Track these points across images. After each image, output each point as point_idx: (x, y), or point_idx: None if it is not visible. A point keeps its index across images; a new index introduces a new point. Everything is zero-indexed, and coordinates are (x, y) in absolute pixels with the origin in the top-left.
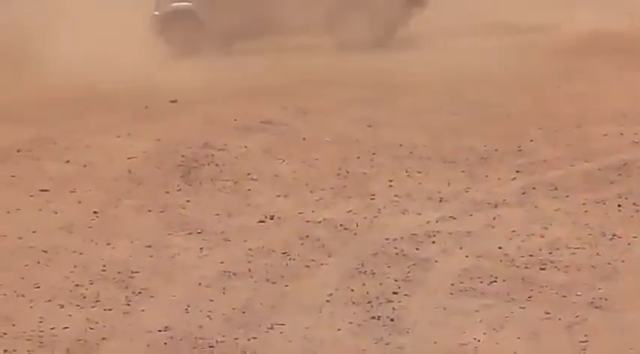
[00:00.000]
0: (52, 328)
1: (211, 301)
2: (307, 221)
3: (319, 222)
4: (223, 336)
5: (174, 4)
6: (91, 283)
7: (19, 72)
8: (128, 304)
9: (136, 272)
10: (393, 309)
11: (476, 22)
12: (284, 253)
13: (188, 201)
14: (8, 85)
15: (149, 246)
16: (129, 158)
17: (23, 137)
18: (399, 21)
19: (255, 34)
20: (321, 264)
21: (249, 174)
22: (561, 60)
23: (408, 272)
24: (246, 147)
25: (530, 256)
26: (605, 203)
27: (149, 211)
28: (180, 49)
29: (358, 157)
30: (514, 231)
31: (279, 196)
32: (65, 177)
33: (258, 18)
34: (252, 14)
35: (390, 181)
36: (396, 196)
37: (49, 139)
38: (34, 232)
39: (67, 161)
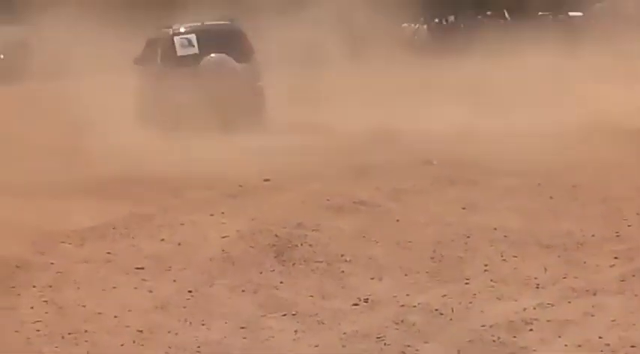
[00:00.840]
0: None
1: None
2: (402, 305)
3: (414, 306)
4: None
5: None
6: None
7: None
8: None
9: None
10: None
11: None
12: (379, 338)
13: (282, 282)
14: (106, 160)
15: (243, 327)
16: (223, 237)
17: (119, 214)
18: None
19: None
20: (417, 350)
21: (342, 255)
22: None
23: None
24: (339, 228)
25: (632, 347)
26: None
27: (243, 291)
28: None
29: (452, 240)
30: (614, 320)
31: (373, 278)
32: (160, 255)
33: None
34: None
35: (485, 265)
36: (491, 280)
37: (145, 217)
38: (129, 310)
39: (162, 239)
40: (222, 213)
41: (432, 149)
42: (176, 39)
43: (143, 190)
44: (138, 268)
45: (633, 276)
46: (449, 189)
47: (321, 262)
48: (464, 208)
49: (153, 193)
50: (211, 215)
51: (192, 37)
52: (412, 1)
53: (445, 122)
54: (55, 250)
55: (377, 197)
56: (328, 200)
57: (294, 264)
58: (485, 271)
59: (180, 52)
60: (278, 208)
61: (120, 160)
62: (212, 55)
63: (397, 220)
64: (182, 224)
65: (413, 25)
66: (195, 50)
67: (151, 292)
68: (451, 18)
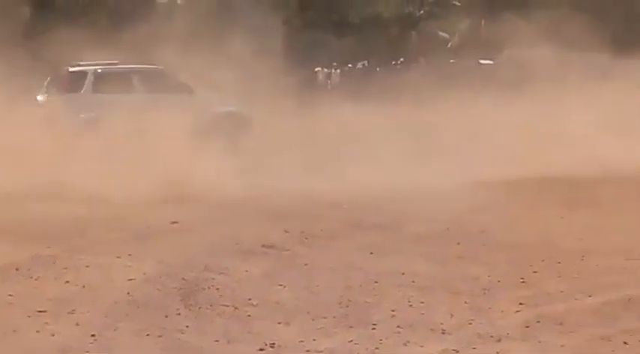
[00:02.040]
0: None
1: None
2: (308, 351)
3: (320, 351)
4: None
5: None
6: None
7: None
8: None
9: None
10: None
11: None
12: None
13: (187, 326)
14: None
15: None
16: (129, 280)
17: (22, 256)
18: None
19: None
20: None
21: (249, 299)
22: (565, 190)
23: None
24: (247, 271)
25: None
26: (610, 339)
27: (147, 335)
28: None
29: (360, 285)
30: None
31: (280, 323)
32: (64, 298)
33: None
34: None
35: (393, 310)
36: (398, 326)
37: (49, 258)
38: None
39: (67, 281)
40: (129, 255)
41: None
42: None
43: (48, 231)
44: (40, 311)
45: (538, 322)
46: (358, 233)
47: (228, 305)
48: (372, 253)
49: (58, 234)
50: (118, 257)
51: None
52: (326, 46)
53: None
54: None
55: (286, 241)
56: (237, 244)
57: (200, 308)
58: (393, 316)
59: None
60: (185, 251)
61: (23, 200)
62: None
63: (305, 265)
64: (87, 266)
65: (326, 69)
66: None
67: (53, 335)
68: (364, 63)
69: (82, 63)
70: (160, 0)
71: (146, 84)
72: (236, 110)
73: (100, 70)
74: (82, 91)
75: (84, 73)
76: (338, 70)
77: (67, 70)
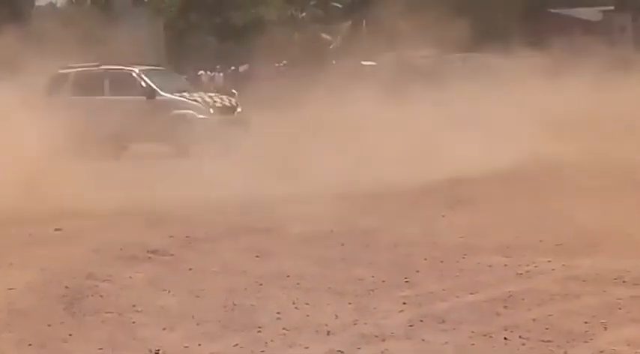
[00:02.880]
0: None
1: None
2: None
3: None
4: None
5: None
6: None
7: None
8: None
9: None
10: None
11: None
12: None
13: (70, 334)
14: None
15: None
16: (9, 289)
17: None
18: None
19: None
20: None
21: (134, 306)
22: (446, 190)
23: None
24: (131, 277)
25: None
26: (491, 336)
27: (30, 344)
28: None
29: (245, 289)
30: None
31: (164, 329)
32: None
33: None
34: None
35: (278, 313)
36: (283, 329)
37: None
38: None
39: None
40: (11, 264)
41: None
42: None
43: None
44: None
45: (421, 321)
46: (242, 237)
47: (112, 312)
48: (257, 256)
49: None
50: None
51: None
52: (209, 49)
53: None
54: None
55: (170, 246)
56: (121, 250)
57: (84, 315)
58: (278, 319)
59: None
60: (69, 258)
61: None
62: None
63: (190, 269)
64: None
65: (209, 72)
66: None
67: None
68: (246, 66)
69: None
70: (38, 3)
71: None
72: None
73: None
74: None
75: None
76: (221, 73)
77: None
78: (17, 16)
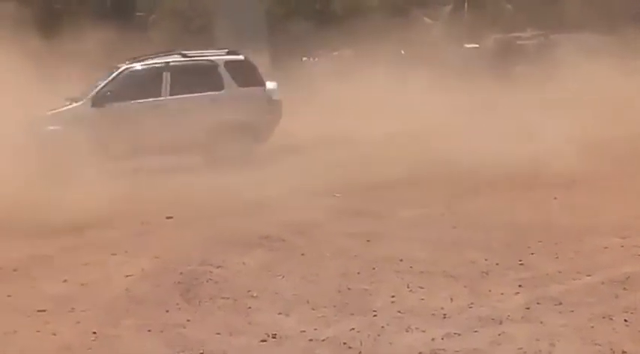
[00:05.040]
0: None
1: None
2: (310, 340)
3: (323, 340)
4: None
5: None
6: None
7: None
8: None
9: None
10: None
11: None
12: None
13: (188, 320)
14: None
15: None
16: (127, 276)
17: (19, 255)
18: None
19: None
20: None
21: (249, 291)
22: (560, 170)
23: None
24: (244, 263)
25: None
26: (611, 318)
27: (149, 330)
28: None
29: (358, 273)
30: (521, 348)
31: (280, 313)
32: (63, 296)
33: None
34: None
35: (392, 296)
36: (399, 312)
37: (45, 258)
38: None
39: (65, 280)
40: (126, 252)
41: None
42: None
43: (42, 231)
44: (40, 311)
45: (538, 304)
46: (353, 221)
47: (227, 298)
48: (369, 241)
49: (52, 233)
50: (114, 254)
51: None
52: (310, 35)
53: None
54: None
55: (281, 231)
56: (232, 236)
57: (200, 301)
58: (392, 302)
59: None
60: (182, 245)
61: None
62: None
63: (302, 254)
64: (85, 264)
65: (313, 59)
66: None
67: (54, 334)
68: (349, 51)
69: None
70: None
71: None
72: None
73: None
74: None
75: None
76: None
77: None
78: (123, 4)
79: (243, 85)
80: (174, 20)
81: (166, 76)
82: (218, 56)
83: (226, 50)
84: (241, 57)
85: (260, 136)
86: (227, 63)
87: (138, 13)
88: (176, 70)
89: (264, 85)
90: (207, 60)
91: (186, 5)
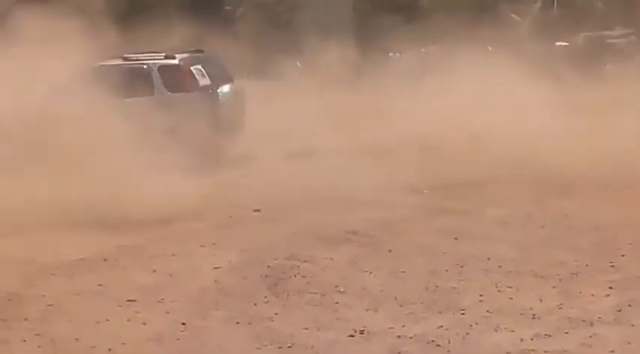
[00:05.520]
0: None
1: None
2: (398, 336)
3: (410, 337)
4: None
5: None
6: None
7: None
8: None
9: None
10: None
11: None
12: None
13: (276, 313)
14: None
15: None
16: (215, 268)
17: (109, 246)
18: None
19: None
20: None
21: (336, 286)
22: None
23: None
24: (332, 258)
25: None
26: None
27: (237, 323)
28: None
29: (446, 271)
30: (613, 351)
31: (368, 309)
32: (152, 286)
33: None
34: None
35: (481, 295)
36: (487, 311)
37: (135, 248)
38: (123, 343)
39: (154, 270)
40: (214, 244)
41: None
42: (193, 69)
43: (131, 221)
44: (130, 300)
45: (629, 306)
46: (440, 218)
47: (315, 293)
48: (456, 238)
49: (142, 224)
50: (202, 246)
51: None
52: (396, 30)
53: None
54: (46, 283)
55: (368, 227)
56: (319, 230)
57: (287, 295)
58: (481, 301)
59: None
60: (269, 238)
61: (105, 195)
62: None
63: (389, 250)
64: (173, 255)
65: (398, 54)
66: (208, 81)
67: (144, 324)
68: (436, 47)
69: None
70: None
71: None
72: None
73: None
74: None
75: None
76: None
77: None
78: (213, 3)
79: (175, 90)
80: (262, 14)
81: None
82: (154, 60)
83: (163, 54)
84: (176, 61)
85: (197, 142)
86: (161, 68)
87: (226, 7)
88: (114, 73)
89: (202, 90)
90: (143, 64)
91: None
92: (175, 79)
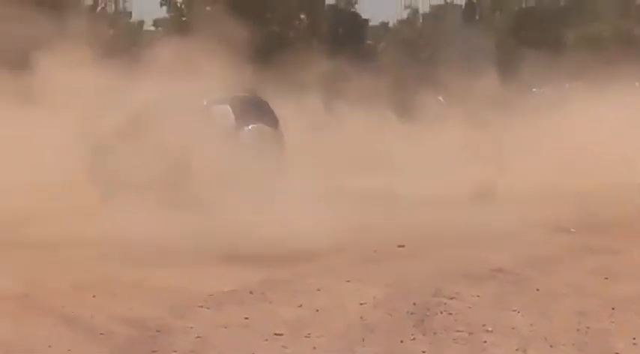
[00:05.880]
0: None
1: None
2: None
3: None
4: None
5: None
6: None
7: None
8: None
9: None
10: None
11: None
12: None
13: (423, 351)
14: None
15: None
16: (360, 304)
17: (254, 279)
18: None
19: None
20: None
21: (484, 325)
22: None
23: None
24: (478, 296)
25: None
26: None
27: None
28: None
29: (597, 312)
30: None
31: (517, 349)
32: (298, 321)
33: None
34: None
35: (634, 339)
36: None
37: (280, 282)
38: None
39: (300, 305)
40: (358, 279)
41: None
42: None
43: (276, 254)
44: (277, 334)
45: None
46: (588, 257)
47: (462, 331)
48: (606, 278)
49: (286, 257)
50: (347, 281)
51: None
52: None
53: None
54: (194, 314)
55: (514, 265)
56: (464, 267)
57: (435, 333)
58: (634, 344)
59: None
60: (414, 274)
61: (246, 226)
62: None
63: (537, 289)
64: (318, 290)
65: (542, 90)
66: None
67: None
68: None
69: None
70: (372, 24)
71: None
72: None
73: None
74: None
75: None
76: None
77: None
78: (355, 38)
79: None
80: (403, 49)
81: None
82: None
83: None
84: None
85: None
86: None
87: (368, 42)
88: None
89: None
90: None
91: (417, 34)
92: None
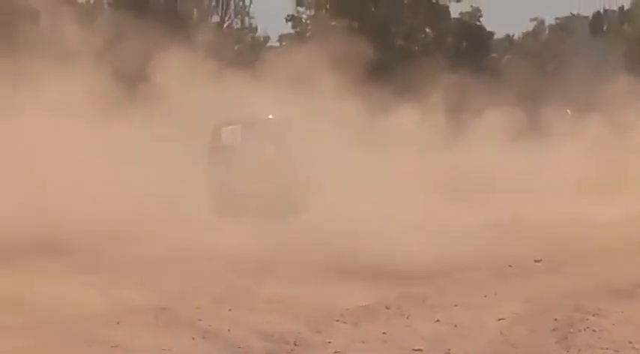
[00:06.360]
0: None
1: None
2: None
3: None
4: None
5: None
6: None
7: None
8: None
9: None
10: None
11: None
12: None
13: None
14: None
15: None
16: (499, 319)
17: (390, 294)
18: None
19: None
20: None
21: (630, 342)
22: None
23: None
24: (622, 312)
25: None
26: None
27: None
28: None
29: None
30: None
31: None
32: (437, 336)
33: None
34: None
35: None
36: None
37: (417, 297)
38: None
39: (437, 320)
40: (495, 294)
41: None
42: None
43: (412, 270)
44: (415, 350)
45: None
46: None
47: (607, 349)
48: None
49: (423, 273)
50: (485, 296)
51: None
52: None
53: None
54: (331, 329)
55: None
56: (604, 282)
57: (578, 350)
58: None
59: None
60: (553, 289)
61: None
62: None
63: None
64: (456, 305)
65: None
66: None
67: None
68: None
69: None
70: (497, 37)
71: None
72: None
73: None
74: None
75: None
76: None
77: None
78: (480, 51)
79: None
80: (529, 61)
81: None
82: None
83: None
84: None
85: None
86: None
87: (492, 54)
88: None
89: None
90: None
91: (542, 47)
92: None
